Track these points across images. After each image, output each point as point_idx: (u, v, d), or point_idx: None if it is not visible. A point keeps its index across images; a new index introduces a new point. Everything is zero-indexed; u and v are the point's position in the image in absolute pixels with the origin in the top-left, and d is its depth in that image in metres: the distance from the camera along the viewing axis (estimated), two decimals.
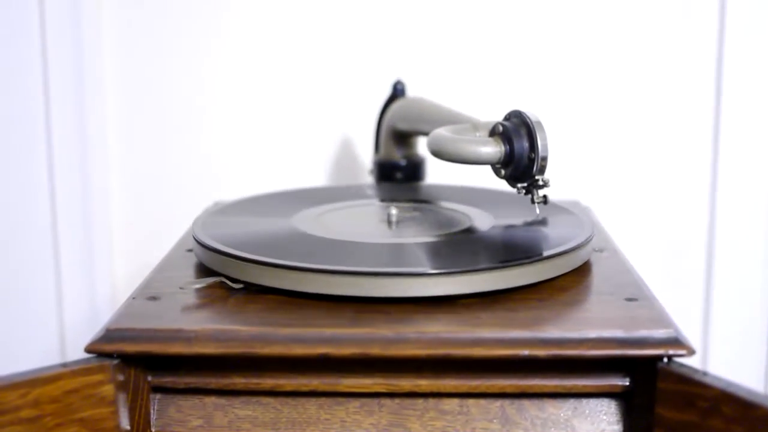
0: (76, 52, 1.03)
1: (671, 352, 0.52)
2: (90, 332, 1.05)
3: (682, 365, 0.52)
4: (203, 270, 0.65)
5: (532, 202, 0.67)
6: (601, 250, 0.69)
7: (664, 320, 0.55)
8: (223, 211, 0.75)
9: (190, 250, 0.69)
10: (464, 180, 0.92)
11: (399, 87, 0.92)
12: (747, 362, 1.08)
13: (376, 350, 0.52)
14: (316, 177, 1.09)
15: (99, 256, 1.07)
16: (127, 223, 1.10)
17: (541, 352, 0.52)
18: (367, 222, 0.72)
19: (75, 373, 0.52)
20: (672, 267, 1.08)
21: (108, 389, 0.53)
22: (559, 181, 0.90)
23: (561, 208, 0.74)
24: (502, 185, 0.70)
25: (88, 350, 0.53)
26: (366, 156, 1.08)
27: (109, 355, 0.53)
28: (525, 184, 0.67)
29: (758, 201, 1.06)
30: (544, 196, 0.67)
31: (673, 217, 1.08)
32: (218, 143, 1.08)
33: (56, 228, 1.06)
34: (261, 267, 0.59)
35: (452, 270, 0.57)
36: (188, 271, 0.65)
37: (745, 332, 1.08)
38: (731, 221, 1.06)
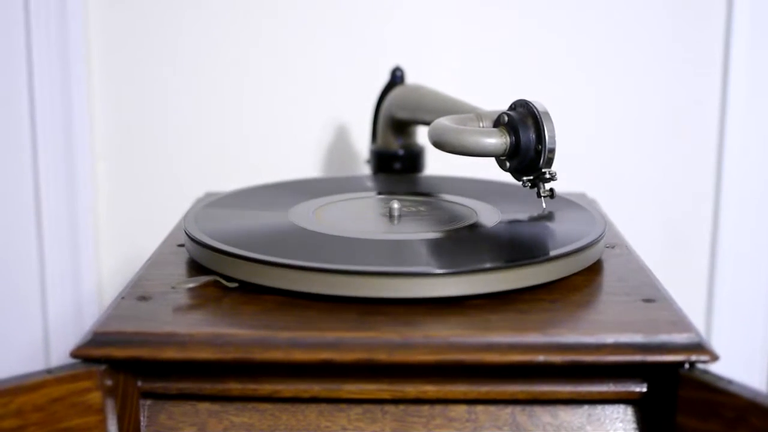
0: (62, 42, 1.00)
1: (694, 358, 0.49)
2: (75, 326, 1.04)
3: (705, 372, 0.49)
4: (196, 267, 0.61)
5: (539, 195, 0.65)
6: (612, 246, 0.67)
7: (684, 323, 0.52)
8: (215, 203, 0.72)
9: (181, 245, 0.66)
10: (465, 172, 0.89)
11: (398, 73, 0.89)
12: (750, 358, 1.06)
13: (382, 356, 0.49)
14: (310, 166, 1.06)
15: (84, 247, 1.04)
16: (114, 212, 1.06)
17: (557, 358, 0.49)
18: (367, 216, 0.68)
19: (60, 380, 0.49)
20: (675, 260, 1.06)
21: (95, 396, 0.50)
22: (562, 172, 0.87)
23: (570, 202, 0.71)
24: (507, 177, 0.68)
25: (74, 355, 0.50)
26: (362, 145, 1.05)
27: (96, 360, 0.50)
28: (531, 177, 0.65)
29: (764, 193, 1.04)
30: (551, 190, 0.65)
31: (677, 209, 1.06)
32: (210, 131, 1.05)
33: (40, 218, 1.02)
34: (258, 265, 0.55)
35: (461, 269, 0.54)
36: (180, 269, 0.61)
37: (748, 328, 1.06)
38: (736, 214, 1.04)
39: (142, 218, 1.06)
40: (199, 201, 0.79)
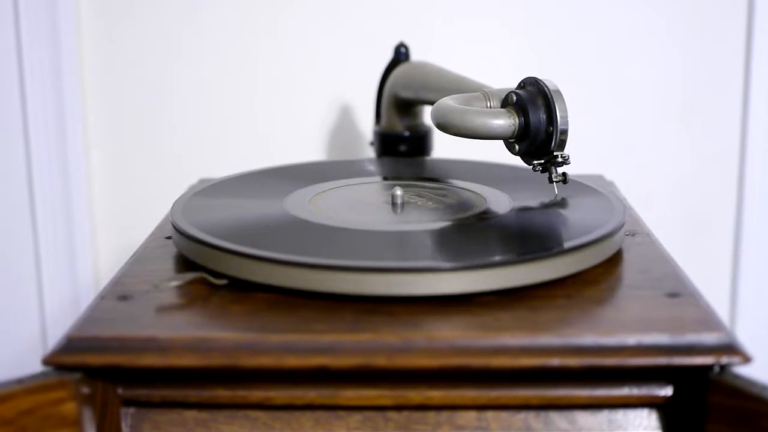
0: (53, 29, 0.96)
1: (724, 360, 0.45)
2: (73, 317, 1.00)
3: (737, 377, 0.45)
4: (183, 262, 0.57)
5: (550, 181, 0.61)
6: (632, 234, 0.62)
7: (713, 322, 0.47)
8: (206, 191, 0.68)
9: (169, 238, 0.62)
10: (474, 155, 0.84)
11: (402, 50, 0.85)
12: None
13: (380, 361, 0.45)
14: (312, 149, 1.01)
15: (79, 237, 1.00)
16: (110, 201, 1.03)
17: (573, 362, 0.45)
18: (369, 205, 0.64)
19: (30, 391, 0.45)
20: (697, 247, 1.01)
21: (70, 407, 0.46)
22: (577, 151, 0.83)
23: (587, 187, 0.67)
24: (519, 161, 0.63)
25: (46, 362, 0.46)
26: (366, 126, 1.00)
27: (70, 368, 0.46)
28: (542, 161, 0.61)
29: None
30: (564, 174, 0.61)
31: (700, 193, 1.01)
32: (207, 115, 1.01)
33: (34, 209, 0.99)
34: (247, 260, 0.51)
35: (469, 264, 0.49)
36: (166, 264, 0.57)
37: None
38: (760, 196, 0.99)
39: (138, 206, 1.02)
40: (192, 188, 0.74)
